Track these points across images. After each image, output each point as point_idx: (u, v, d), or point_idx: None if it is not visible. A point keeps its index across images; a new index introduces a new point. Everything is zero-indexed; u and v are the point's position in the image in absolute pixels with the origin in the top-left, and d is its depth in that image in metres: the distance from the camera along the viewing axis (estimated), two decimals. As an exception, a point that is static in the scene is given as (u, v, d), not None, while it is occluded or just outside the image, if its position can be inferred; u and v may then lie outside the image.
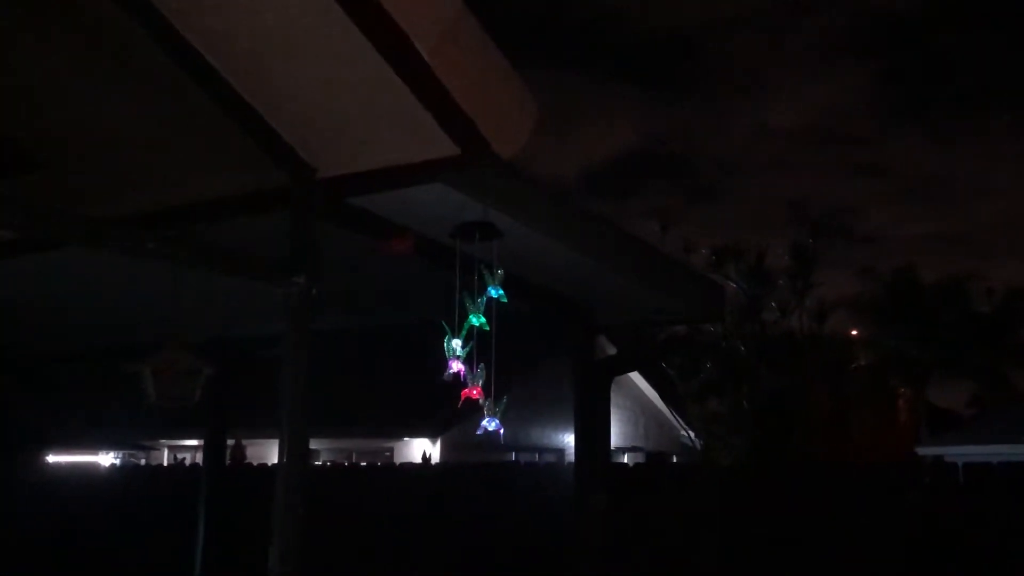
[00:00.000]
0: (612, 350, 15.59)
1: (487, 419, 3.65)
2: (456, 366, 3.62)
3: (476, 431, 3.66)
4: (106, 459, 22.09)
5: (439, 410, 18.72)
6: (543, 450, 21.06)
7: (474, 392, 3.60)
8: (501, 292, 3.72)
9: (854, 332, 29.50)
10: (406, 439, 19.69)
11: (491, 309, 3.71)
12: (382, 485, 9.54)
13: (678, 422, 25.12)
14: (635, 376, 23.90)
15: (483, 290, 3.72)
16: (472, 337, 3.68)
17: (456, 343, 3.64)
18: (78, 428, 19.56)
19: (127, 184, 4.52)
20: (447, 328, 3.64)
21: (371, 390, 19.80)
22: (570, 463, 10.89)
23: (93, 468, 19.29)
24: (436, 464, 13.56)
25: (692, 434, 22.76)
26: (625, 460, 20.12)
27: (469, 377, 3.62)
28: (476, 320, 3.68)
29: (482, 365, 3.65)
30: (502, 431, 3.64)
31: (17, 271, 5.76)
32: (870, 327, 29.89)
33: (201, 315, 6.23)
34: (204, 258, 3.96)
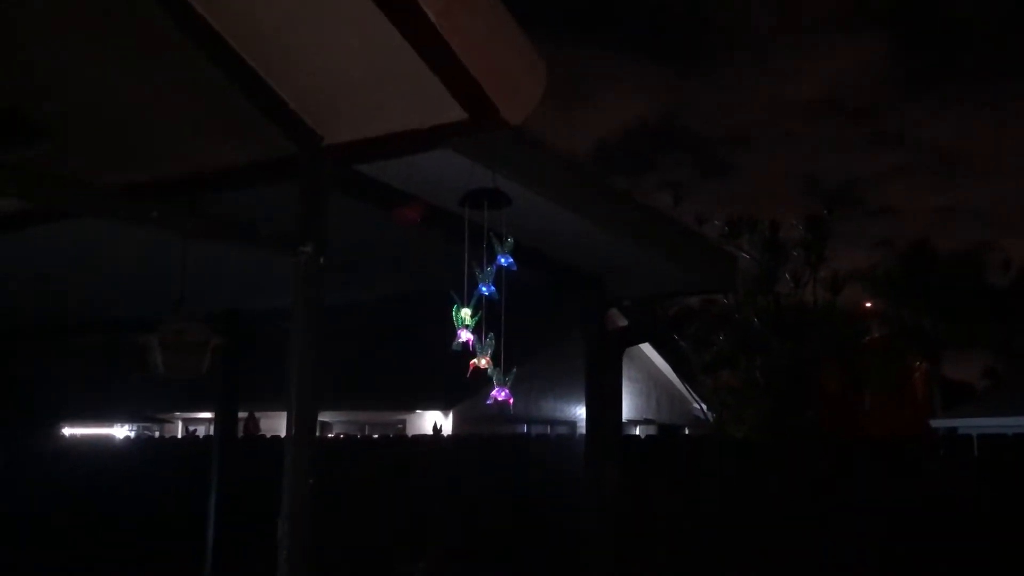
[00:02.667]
0: (623, 322, 15.55)
1: (496, 389, 3.60)
2: (465, 336, 3.56)
3: (486, 401, 3.61)
4: (120, 432, 22.26)
5: (451, 382, 18.78)
6: (555, 422, 21.11)
7: (482, 362, 3.55)
8: (511, 260, 3.66)
9: (868, 304, 29.38)
10: (418, 411, 19.77)
11: (501, 278, 3.66)
12: (394, 457, 9.55)
13: (690, 395, 25.14)
14: (647, 349, 23.90)
15: (492, 259, 3.66)
16: (481, 307, 3.63)
17: (465, 312, 3.59)
18: (93, 401, 19.71)
19: (132, 155, 4.47)
20: (455, 298, 3.59)
21: (383, 362, 19.85)
22: (582, 435, 10.88)
23: (108, 440, 19.45)
24: (448, 436, 13.57)
25: (704, 407, 22.75)
26: (637, 432, 20.18)
27: (478, 347, 3.57)
28: (485, 289, 3.62)
29: (491, 335, 3.59)
30: (511, 401, 3.60)
31: (27, 243, 5.73)
32: (885, 300, 29.74)
33: (214, 287, 6.21)
34: (210, 228, 3.92)
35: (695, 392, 23.70)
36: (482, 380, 3.67)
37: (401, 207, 3.93)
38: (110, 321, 8.86)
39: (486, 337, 3.59)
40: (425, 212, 3.98)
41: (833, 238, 15.63)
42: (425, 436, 12.85)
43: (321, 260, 3.98)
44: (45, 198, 3.91)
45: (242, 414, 18.26)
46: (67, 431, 18.72)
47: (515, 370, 3.60)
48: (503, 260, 3.68)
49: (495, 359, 3.58)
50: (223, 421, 8.04)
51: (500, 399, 3.58)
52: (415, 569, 6.85)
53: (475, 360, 3.56)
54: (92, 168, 4.36)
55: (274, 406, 17.80)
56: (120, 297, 7.56)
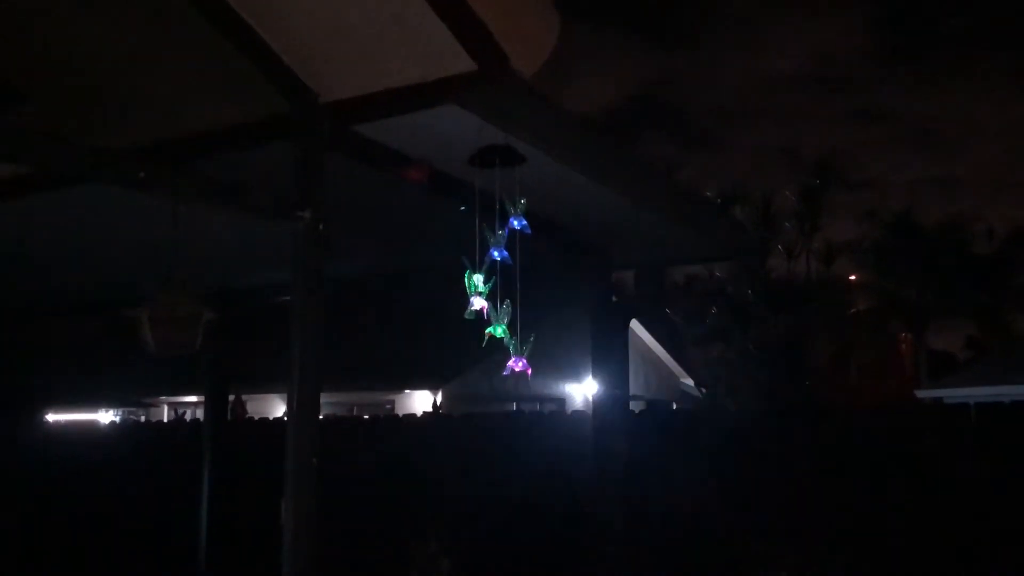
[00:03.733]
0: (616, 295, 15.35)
1: (513, 359, 3.38)
2: (479, 303, 3.34)
3: (503, 372, 3.39)
4: (105, 417, 21.89)
5: (439, 360, 18.55)
6: (544, 399, 20.93)
7: (498, 331, 3.32)
8: (524, 223, 3.43)
9: (853, 277, 29.32)
10: (407, 391, 19.56)
11: (514, 241, 3.43)
12: (387, 437, 9.31)
13: (679, 370, 25.06)
14: (634, 324, 23.78)
15: (504, 222, 3.43)
16: (495, 272, 3.40)
17: (478, 279, 3.36)
18: (76, 386, 19.35)
19: (120, 116, 4.19)
20: (467, 263, 3.36)
21: (370, 341, 19.59)
22: (574, 411, 10.69)
23: (92, 426, 19.11)
24: (447, 415, 13.33)
25: (694, 381, 22.64)
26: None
27: (492, 314, 3.35)
28: (498, 254, 3.39)
29: (507, 301, 3.37)
30: (530, 372, 3.38)
31: (9, 218, 5.45)
32: (870, 272, 29.73)
33: (202, 264, 5.92)
34: (201, 191, 3.66)
35: (684, 367, 23.62)
36: (470, 358, 3.45)
37: (406, 167, 3.68)
38: (97, 302, 8.57)
39: (502, 304, 3.36)
40: (431, 172, 3.73)
41: (823, 208, 15.45)
42: (415, 416, 12.62)
43: (321, 227, 3.74)
44: (28, 158, 3.65)
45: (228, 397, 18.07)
46: (50, 418, 18.36)
47: (533, 338, 3.38)
48: (516, 223, 3.45)
49: (511, 328, 3.36)
50: (213, 403, 7.79)
51: (518, 370, 3.37)
52: (426, 553, 6.64)
53: (490, 329, 3.34)
54: (78, 132, 4.09)
55: (263, 388, 17.63)
56: (104, 278, 7.27)
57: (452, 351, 16.99)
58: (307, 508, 3.64)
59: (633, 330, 23.96)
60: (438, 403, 16.41)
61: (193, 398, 18.95)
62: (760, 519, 6.82)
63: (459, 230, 3.66)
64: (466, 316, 3.36)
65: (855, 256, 27.36)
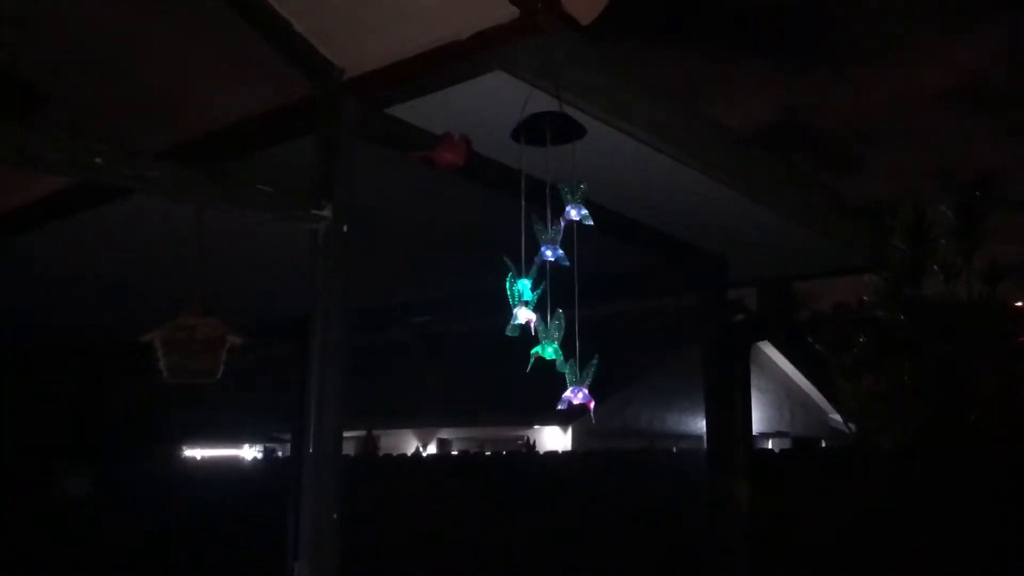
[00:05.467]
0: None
1: (571, 390, 2.59)
2: (524, 315, 2.58)
3: (558, 406, 2.61)
4: (249, 452, 21.99)
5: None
6: (683, 436, 19.81)
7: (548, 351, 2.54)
8: (585, 212, 2.66)
9: (1019, 304, 26.73)
10: (536, 427, 18.89)
11: (571, 237, 2.67)
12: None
13: (826, 405, 23.29)
14: (776, 355, 22.30)
15: (559, 212, 2.68)
16: (545, 276, 2.64)
17: (525, 284, 2.61)
18: (214, 420, 19.51)
19: (136, 115, 3.70)
20: (510, 265, 2.61)
21: (500, 374, 19.04)
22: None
23: (233, 462, 19.17)
24: (558, 452, 12.58)
25: (842, 417, 20.91)
26: (770, 446, 18.73)
27: (541, 331, 2.58)
28: (550, 253, 2.63)
29: (559, 312, 2.58)
30: (593, 405, 2.59)
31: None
32: (1040, 296, 27.04)
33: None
34: (210, 189, 3.05)
35: (831, 401, 21.95)
36: (602, 392, 2.63)
37: (441, 146, 2.97)
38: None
39: (552, 316, 2.59)
40: (470, 151, 3.01)
41: (985, 222, 13.80)
42: (537, 453, 11.92)
43: (345, 228, 3.08)
44: (27, 162, 3.18)
45: (359, 432, 17.83)
46: (189, 453, 18.54)
47: (596, 362, 2.58)
48: (575, 212, 2.68)
49: (566, 345, 2.58)
50: (299, 440, 7.27)
51: (576, 402, 2.58)
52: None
53: (537, 349, 2.56)
54: (94, 134, 3.61)
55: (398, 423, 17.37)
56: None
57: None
58: (324, 558, 2.95)
59: (774, 361, 22.48)
60: (531, 441, 15.72)
61: (351, 433, 18.76)
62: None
63: (512, 218, 2.89)
64: (507, 333, 2.60)
65: (1018, 281, 24.90)
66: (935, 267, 13.90)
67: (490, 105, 3.04)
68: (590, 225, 2.66)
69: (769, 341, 19.11)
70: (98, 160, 2.51)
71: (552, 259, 2.65)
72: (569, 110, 2.88)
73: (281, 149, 3.39)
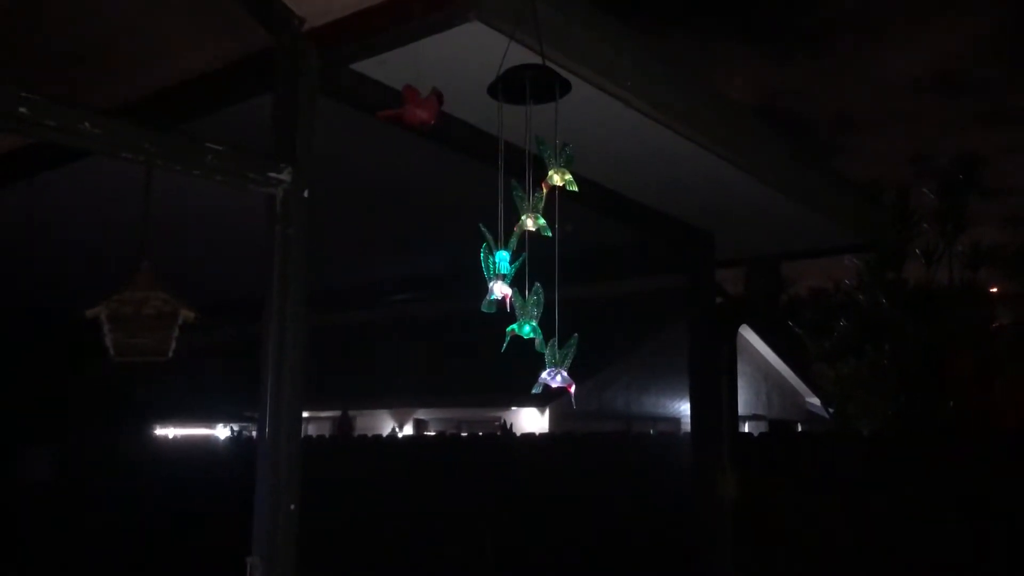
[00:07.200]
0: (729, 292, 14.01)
1: (548, 371, 2.35)
2: (500, 290, 2.33)
3: (532, 390, 2.37)
4: (223, 432, 21.66)
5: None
6: (660, 419, 19.70)
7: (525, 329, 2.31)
8: (569, 178, 2.41)
9: (994, 289, 26.77)
10: (514, 408, 18.71)
11: (554, 205, 2.42)
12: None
13: (803, 388, 23.25)
14: (753, 338, 22.21)
15: (541, 177, 2.43)
16: (524, 247, 2.40)
17: (502, 257, 2.36)
18: (184, 399, 19.16)
19: (83, 68, 3.41)
20: (486, 235, 2.36)
21: (479, 356, 18.82)
22: (686, 433, 9.54)
23: (203, 441, 18.88)
24: (535, 435, 12.42)
25: (820, 400, 20.88)
26: (747, 429, 18.64)
27: (518, 306, 2.33)
28: (532, 223, 2.39)
29: (537, 287, 2.33)
30: (573, 389, 2.35)
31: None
32: (1016, 283, 27.09)
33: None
34: (151, 146, 2.77)
35: (809, 384, 21.91)
36: (579, 374, 2.38)
37: (409, 102, 2.70)
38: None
39: (530, 291, 2.34)
40: (441, 106, 2.74)
41: (968, 206, 13.67)
42: (512, 435, 11.71)
43: (305, 193, 2.82)
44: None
45: (334, 413, 17.58)
46: (160, 431, 18.20)
47: (575, 341, 2.35)
48: (558, 178, 2.43)
49: (545, 324, 2.34)
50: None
51: (555, 385, 2.34)
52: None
53: (513, 327, 2.32)
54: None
55: (375, 404, 17.15)
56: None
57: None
58: (283, 569, 2.71)
59: (751, 343, 22.40)
60: (507, 424, 15.57)
61: (327, 413, 18.49)
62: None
63: (487, 184, 2.63)
64: (483, 308, 2.36)
65: (996, 266, 24.90)
66: (917, 251, 13.81)
67: (466, 61, 2.79)
68: (574, 191, 2.41)
69: (748, 324, 18.99)
70: (23, 110, 2.22)
71: (533, 229, 2.40)
72: (552, 66, 2.62)
73: (242, 109, 3.11)
